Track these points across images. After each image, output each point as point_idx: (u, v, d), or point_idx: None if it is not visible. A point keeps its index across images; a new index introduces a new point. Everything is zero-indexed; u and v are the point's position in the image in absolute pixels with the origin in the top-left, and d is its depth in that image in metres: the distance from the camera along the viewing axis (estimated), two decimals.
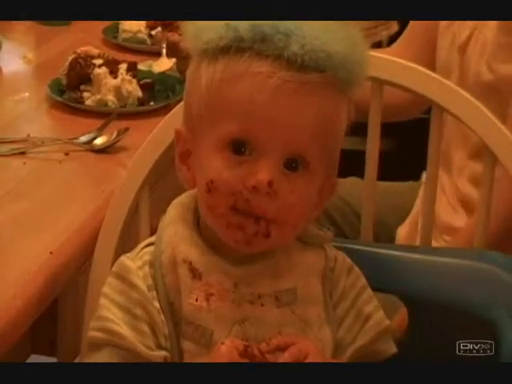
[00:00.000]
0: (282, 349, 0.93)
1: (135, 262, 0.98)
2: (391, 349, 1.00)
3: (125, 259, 0.99)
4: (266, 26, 0.93)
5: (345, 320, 1.01)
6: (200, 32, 0.96)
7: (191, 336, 0.96)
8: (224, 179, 0.91)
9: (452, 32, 1.42)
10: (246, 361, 0.91)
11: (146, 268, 0.97)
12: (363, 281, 1.02)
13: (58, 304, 1.23)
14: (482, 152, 1.16)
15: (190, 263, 0.96)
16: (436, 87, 1.10)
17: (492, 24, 1.34)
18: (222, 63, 0.93)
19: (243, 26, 0.93)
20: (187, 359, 0.96)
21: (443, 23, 1.45)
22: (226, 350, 0.91)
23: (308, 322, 0.98)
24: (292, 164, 0.92)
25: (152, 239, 1.01)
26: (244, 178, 0.91)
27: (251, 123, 0.92)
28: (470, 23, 1.39)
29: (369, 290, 1.02)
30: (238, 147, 0.91)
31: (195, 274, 0.96)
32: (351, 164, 1.21)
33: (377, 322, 1.01)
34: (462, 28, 1.41)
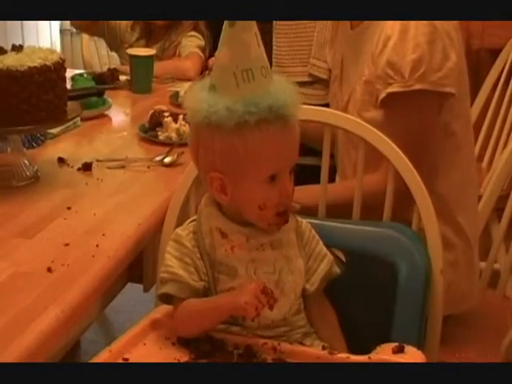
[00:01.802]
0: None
1: (184, 231, 1.16)
2: (337, 271, 1.21)
3: (178, 230, 1.16)
4: (266, 106, 1.06)
5: (311, 256, 1.19)
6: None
7: (223, 271, 1.11)
8: (270, 200, 1.10)
9: (336, 100, 1.69)
10: (263, 296, 1.02)
11: (191, 234, 1.14)
12: (317, 236, 1.21)
13: (143, 253, 1.40)
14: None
15: (220, 229, 1.13)
16: (354, 123, 1.36)
17: (359, 89, 1.56)
18: (253, 133, 1.06)
19: (262, 107, 1.06)
20: (221, 286, 1.11)
21: (331, 95, 1.72)
22: (253, 286, 1.04)
23: (289, 258, 1.16)
24: (291, 172, 1.13)
25: (194, 217, 1.17)
26: (280, 194, 1.10)
27: (280, 165, 1.10)
28: (347, 91, 1.63)
29: (321, 242, 1.21)
30: (273, 178, 1.10)
31: (223, 234, 1.13)
32: (314, 174, 1.41)
33: (328, 258, 1.21)
34: (342, 95, 1.65)
